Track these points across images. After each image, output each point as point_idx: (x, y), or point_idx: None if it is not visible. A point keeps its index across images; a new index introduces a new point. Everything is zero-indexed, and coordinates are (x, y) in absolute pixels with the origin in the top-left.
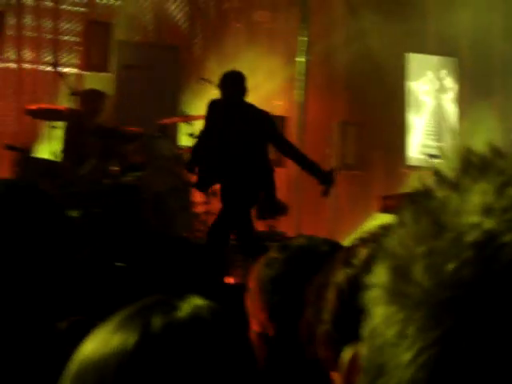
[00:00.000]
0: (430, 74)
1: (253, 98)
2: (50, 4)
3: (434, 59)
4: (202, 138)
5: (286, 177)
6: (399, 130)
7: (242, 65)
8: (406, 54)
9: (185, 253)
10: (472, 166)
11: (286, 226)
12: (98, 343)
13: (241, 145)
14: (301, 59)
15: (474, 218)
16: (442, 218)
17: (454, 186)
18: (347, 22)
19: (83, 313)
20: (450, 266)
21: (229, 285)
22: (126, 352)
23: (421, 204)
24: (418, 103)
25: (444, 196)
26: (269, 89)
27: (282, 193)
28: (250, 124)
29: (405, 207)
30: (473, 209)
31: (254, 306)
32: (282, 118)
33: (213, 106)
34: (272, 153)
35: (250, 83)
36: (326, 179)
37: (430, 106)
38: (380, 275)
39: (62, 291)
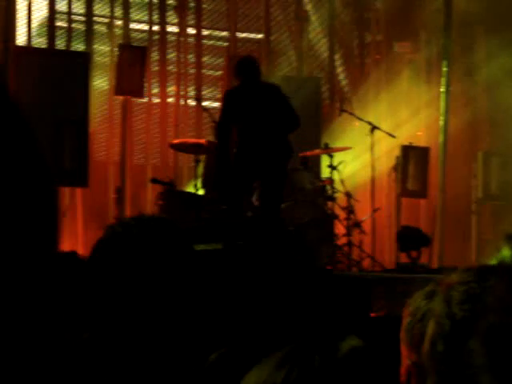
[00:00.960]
0: None
1: (393, 128)
2: (192, 39)
3: None
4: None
5: (427, 208)
6: None
7: (383, 96)
8: None
9: (327, 285)
10: None
11: (428, 257)
12: (261, 377)
13: (269, 122)
14: (443, 89)
15: None
16: None
17: None
18: (489, 49)
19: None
20: None
21: (374, 317)
22: None
23: None
24: None
25: None
26: (411, 119)
27: (424, 224)
28: (272, 101)
29: None
30: None
31: (409, 337)
32: (424, 149)
33: (230, 95)
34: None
35: (391, 114)
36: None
37: None
38: None
39: (203, 322)
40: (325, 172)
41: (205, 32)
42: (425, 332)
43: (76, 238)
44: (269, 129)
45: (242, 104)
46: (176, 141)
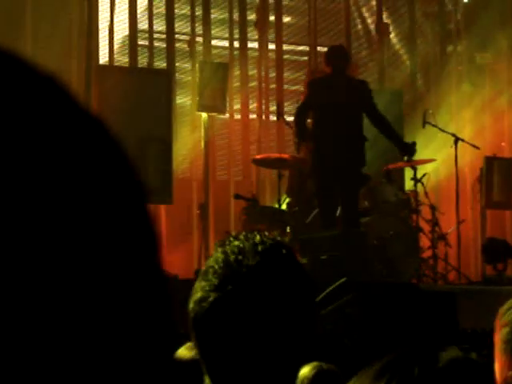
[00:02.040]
0: None
1: (479, 139)
2: (272, 55)
3: None
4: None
5: None
6: None
7: (467, 108)
8: None
9: (413, 300)
10: None
11: None
12: None
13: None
14: None
15: None
16: None
17: None
18: None
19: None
20: None
21: (462, 331)
22: None
23: None
24: None
25: None
26: (495, 130)
27: (509, 235)
28: (354, 95)
29: None
30: None
31: (510, 346)
32: (508, 160)
33: (315, 83)
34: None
35: (475, 125)
36: (407, 149)
37: None
38: None
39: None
40: (408, 184)
41: (285, 47)
42: None
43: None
44: (349, 124)
45: (326, 94)
46: (259, 156)
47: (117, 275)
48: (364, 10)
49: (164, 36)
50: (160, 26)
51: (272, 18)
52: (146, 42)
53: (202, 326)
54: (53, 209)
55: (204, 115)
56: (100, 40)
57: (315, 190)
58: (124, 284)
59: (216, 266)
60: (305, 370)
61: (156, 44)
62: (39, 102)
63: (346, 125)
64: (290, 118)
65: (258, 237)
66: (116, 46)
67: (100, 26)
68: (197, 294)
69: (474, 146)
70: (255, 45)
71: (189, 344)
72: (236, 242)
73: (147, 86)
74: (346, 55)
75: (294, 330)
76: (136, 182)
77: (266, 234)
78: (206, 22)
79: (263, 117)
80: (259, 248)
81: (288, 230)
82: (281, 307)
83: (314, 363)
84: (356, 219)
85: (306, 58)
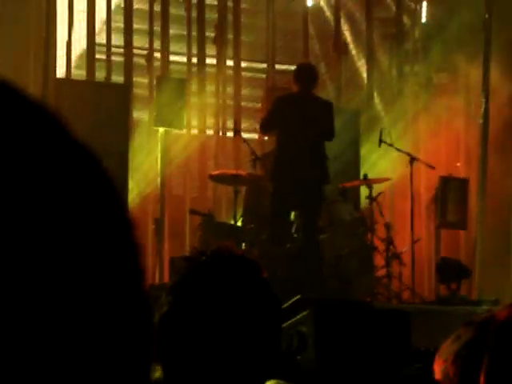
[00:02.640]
0: None
1: (434, 159)
2: (230, 71)
3: None
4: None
5: (466, 239)
6: None
7: (421, 126)
8: None
9: (367, 318)
10: None
11: (468, 289)
12: None
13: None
14: (481, 121)
15: None
16: None
17: None
18: None
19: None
20: None
21: (415, 350)
22: None
23: None
24: None
25: None
26: (450, 150)
27: (463, 255)
28: (319, 114)
29: None
30: None
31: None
32: (463, 180)
33: (280, 101)
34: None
35: (431, 145)
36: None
37: None
38: None
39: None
40: (364, 203)
41: (243, 64)
42: (478, 365)
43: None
44: (312, 143)
45: (291, 111)
46: (215, 172)
47: (98, 292)
48: (322, 28)
49: (122, 50)
50: (118, 40)
51: (230, 35)
52: (104, 56)
53: (162, 337)
54: (31, 229)
55: (161, 130)
56: (58, 53)
57: (271, 208)
58: (106, 305)
59: (181, 281)
60: None
61: (114, 58)
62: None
63: (309, 143)
64: (247, 135)
65: (224, 252)
66: (74, 60)
67: (58, 39)
68: (162, 308)
69: (429, 165)
70: (213, 61)
71: None
72: (203, 257)
73: (104, 100)
74: (314, 74)
75: (257, 344)
76: (119, 203)
77: (233, 249)
78: (165, 37)
79: (220, 133)
80: (225, 262)
81: (243, 246)
82: (244, 321)
83: (273, 381)
84: (315, 236)
85: (263, 75)
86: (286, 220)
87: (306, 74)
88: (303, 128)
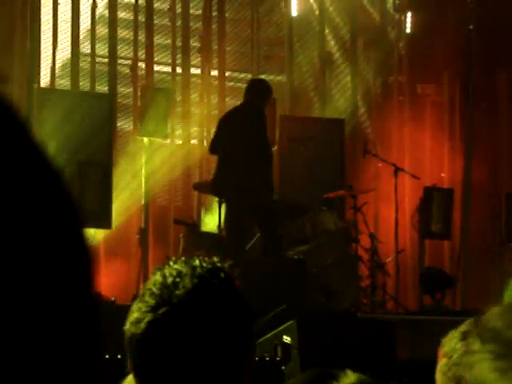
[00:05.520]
0: None
1: (419, 170)
2: (215, 81)
3: None
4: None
5: (450, 249)
6: None
7: (405, 137)
8: None
9: (351, 328)
10: None
11: (452, 298)
12: None
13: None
14: (466, 131)
15: None
16: None
17: None
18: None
19: None
20: None
21: (400, 361)
22: None
23: None
24: None
25: None
26: (435, 161)
27: (447, 265)
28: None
29: None
30: None
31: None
32: (448, 190)
33: (223, 117)
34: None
35: (415, 155)
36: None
37: None
38: None
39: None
40: (348, 213)
41: (228, 73)
42: (462, 375)
43: (98, 278)
44: (252, 156)
45: (230, 127)
46: (199, 181)
47: (46, 293)
48: (307, 38)
49: (106, 60)
50: (102, 49)
51: (215, 45)
52: (88, 66)
53: (137, 346)
54: None
55: (145, 140)
56: (42, 62)
57: (226, 221)
58: (52, 305)
59: (153, 288)
60: None
61: (98, 68)
62: None
63: (248, 157)
64: None
65: (197, 261)
66: (57, 69)
67: (42, 48)
68: (133, 315)
69: (413, 176)
70: (198, 71)
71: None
72: (175, 266)
73: (88, 109)
74: (262, 90)
75: (229, 354)
76: (70, 204)
77: (206, 258)
78: (149, 46)
79: (205, 142)
80: (197, 271)
81: (227, 255)
82: (215, 330)
83: None
84: (278, 245)
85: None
86: (242, 226)
87: (253, 90)
88: (236, 145)
